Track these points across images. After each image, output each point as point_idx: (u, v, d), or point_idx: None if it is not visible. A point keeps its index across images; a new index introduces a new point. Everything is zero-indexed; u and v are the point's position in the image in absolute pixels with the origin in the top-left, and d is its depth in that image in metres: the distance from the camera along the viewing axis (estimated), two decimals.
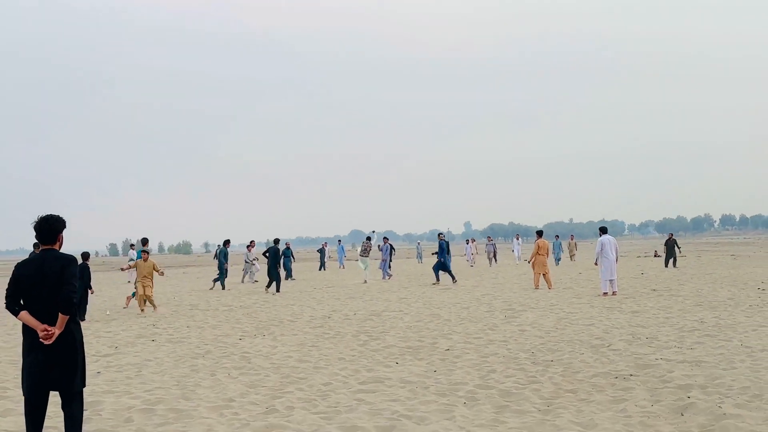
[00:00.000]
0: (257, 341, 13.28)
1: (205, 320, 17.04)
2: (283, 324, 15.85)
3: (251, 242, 32.98)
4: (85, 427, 6.84)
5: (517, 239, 52.29)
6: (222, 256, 29.72)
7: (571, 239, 49.32)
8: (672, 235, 38.48)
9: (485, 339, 12.68)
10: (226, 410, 7.95)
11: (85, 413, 7.30)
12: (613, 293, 20.50)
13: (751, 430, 6.55)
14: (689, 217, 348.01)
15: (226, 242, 30.81)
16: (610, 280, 20.74)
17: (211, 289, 28.86)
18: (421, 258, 59.28)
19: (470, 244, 48.15)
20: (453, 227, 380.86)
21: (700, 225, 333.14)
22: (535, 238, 25.61)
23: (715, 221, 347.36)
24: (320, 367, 10.44)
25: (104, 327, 16.28)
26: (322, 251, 47.53)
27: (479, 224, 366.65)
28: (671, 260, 36.30)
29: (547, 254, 24.94)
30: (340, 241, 52.37)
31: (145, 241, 21.97)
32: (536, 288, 23.82)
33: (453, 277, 28.25)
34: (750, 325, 13.16)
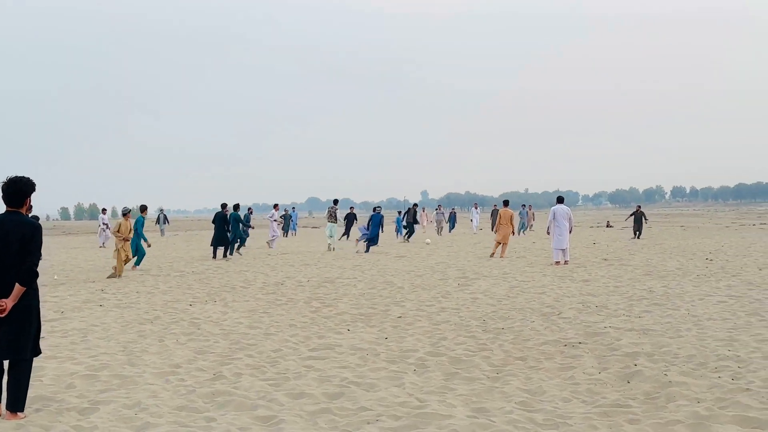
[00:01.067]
0: (208, 307, 13.09)
1: (155, 286, 16.78)
2: (235, 290, 15.68)
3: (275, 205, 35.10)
4: None
5: (476, 208, 52.17)
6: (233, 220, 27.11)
7: (529, 209, 49.77)
8: (640, 207, 38.27)
9: (437, 307, 12.68)
10: (171, 376, 7.80)
11: None
12: (565, 262, 20.69)
13: (695, 397, 6.62)
14: (641, 188, 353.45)
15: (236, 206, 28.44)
16: (562, 250, 20.92)
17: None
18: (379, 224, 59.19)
19: (424, 212, 48.18)
20: (410, 196, 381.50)
21: (652, 196, 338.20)
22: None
23: (666, 193, 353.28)
24: (270, 334, 10.33)
25: (51, 291, 15.91)
26: (286, 217, 46.95)
27: (436, 193, 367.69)
28: (638, 232, 36.17)
29: (510, 223, 24.62)
30: (294, 208, 51.79)
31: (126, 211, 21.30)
32: (491, 257, 23.96)
33: (367, 248, 28.24)
34: (697, 295, 13.38)
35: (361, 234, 29.31)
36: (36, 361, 8.38)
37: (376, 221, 28.80)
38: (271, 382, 7.53)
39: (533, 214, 49.53)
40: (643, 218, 36.48)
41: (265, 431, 5.94)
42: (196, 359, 8.68)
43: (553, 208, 21.99)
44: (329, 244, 29.46)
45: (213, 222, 25.91)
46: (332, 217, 30.61)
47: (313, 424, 6.08)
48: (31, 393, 6.98)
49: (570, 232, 21.38)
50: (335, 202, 31.70)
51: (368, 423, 6.08)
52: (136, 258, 21.15)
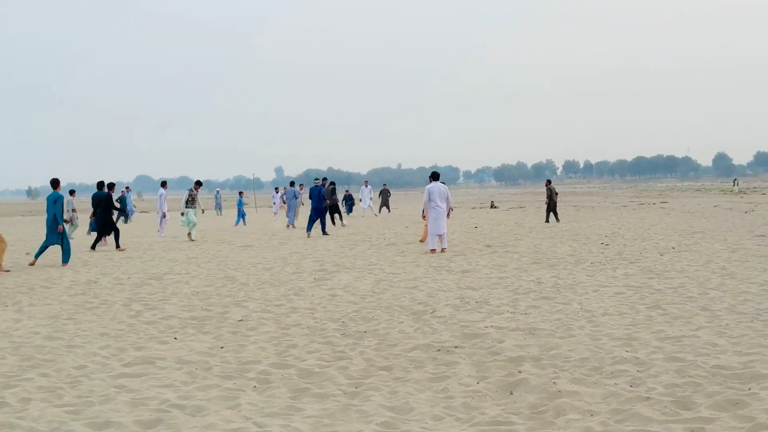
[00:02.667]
0: None
1: None
2: (33, 291, 14.82)
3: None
4: None
5: (366, 186, 51.23)
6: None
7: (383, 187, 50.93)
8: (550, 181, 37.25)
9: (288, 307, 12.38)
10: None
11: None
12: (442, 250, 20.84)
13: (588, 409, 6.62)
14: (530, 163, 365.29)
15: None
16: (439, 235, 21.04)
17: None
18: (220, 209, 58.42)
19: (278, 193, 47.79)
20: (262, 173, 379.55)
21: (542, 172, 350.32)
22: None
23: (558, 168, 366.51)
24: (75, 346, 9.71)
25: None
26: (122, 199, 45.00)
27: (293, 170, 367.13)
28: (553, 212, 35.43)
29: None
30: (128, 188, 49.64)
31: None
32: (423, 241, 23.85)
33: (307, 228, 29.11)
34: (591, 286, 13.69)
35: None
36: None
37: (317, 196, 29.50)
38: (68, 408, 6.99)
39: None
40: (554, 194, 35.35)
41: None
42: None
43: (427, 186, 21.93)
44: (189, 233, 28.59)
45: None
46: (192, 201, 29.42)
47: None
48: None
49: (448, 215, 21.53)
50: (198, 183, 30.64)
51: None
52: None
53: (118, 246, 24.41)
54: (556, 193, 35.95)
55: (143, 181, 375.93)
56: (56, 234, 19.78)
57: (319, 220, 29.62)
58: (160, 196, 32.42)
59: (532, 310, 11.47)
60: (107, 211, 24.64)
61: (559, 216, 35.86)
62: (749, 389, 6.99)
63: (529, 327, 10.11)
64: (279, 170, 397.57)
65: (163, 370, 8.42)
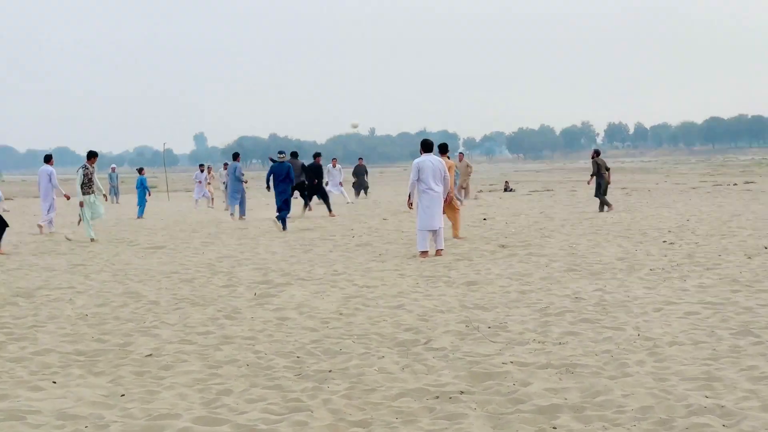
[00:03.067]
0: None
1: None
2: None
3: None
4: None
5: (335, 165, 49.66)
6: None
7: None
8: (598, 152, 37.53)
9: (218, 335, 12.18)
10: None
11: None
12: (437, 252, 20.70)
13: None
14: (558, 128, 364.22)
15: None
16: (433, 232, 20.86)
17: None
18: (117, 194, 58.12)
19: (205, 172, 47.52)
20: (176, 143, 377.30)
21: (575, 140, 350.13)
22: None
23: (598, 134, 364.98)
24: None
25: None
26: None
27: (218, 138, 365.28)
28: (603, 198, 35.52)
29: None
30: None
31: None
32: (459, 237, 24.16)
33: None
34: (651, 303, 13.59)
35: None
36: None
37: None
38: None
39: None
40: (605, 169, 35.26)
41: None
42: None
43: (416, 161, 21.41)
44: (90, 232, 27.71)
45: None
46: (89, 182, 28.17)
47: None
48: None
49: (446, 201, 21.31)
50: (92, 155, 29.29)
51: None
52: None
53: None
54: (607, 168, 35.75)
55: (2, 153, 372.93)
56: None
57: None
58: (50, 175, 31.20)
59: (569, 338, 11.32)
60: None
61: (609, 201, 35.62)
62: None
63: (565, 363, 9.96)
64: (200, 139, 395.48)
65: (36, 430, 8.25)
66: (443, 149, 24.90)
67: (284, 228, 29.37)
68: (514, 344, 11.09)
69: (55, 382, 9.95)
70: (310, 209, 38.45)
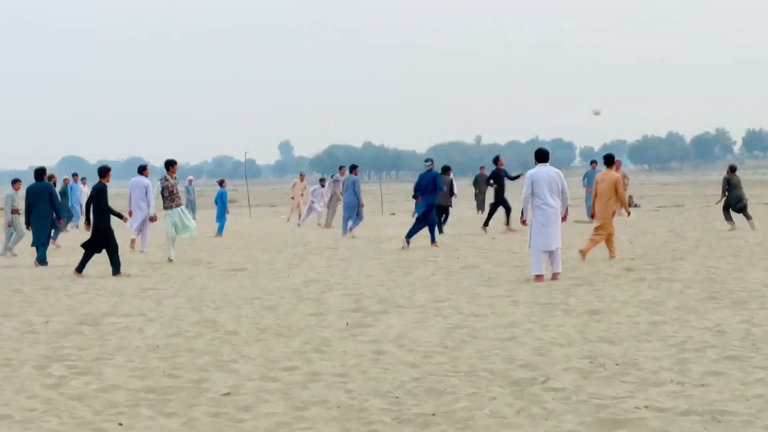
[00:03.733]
0: None
1: None
2: None
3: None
4: None
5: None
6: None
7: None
8: (733, 168, 36.33)
9: (305, 371, 11.71)
10: None
11: None
12: (554, 276, 20.14)
13: None
14: (688, 135, 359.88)
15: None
16: (549, 253, 20.32)
17: None
18: (194, 209, 58.19)
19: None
20: (258, 154, 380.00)
21: (708, 149, 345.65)
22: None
23: (735, 142, 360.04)
24: None
25: None
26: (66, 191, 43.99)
27: (306, 147, 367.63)
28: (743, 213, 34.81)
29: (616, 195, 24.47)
30: (75, 175, 48.56)
31: None
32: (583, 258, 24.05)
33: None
34: None
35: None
36: None
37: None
38: None
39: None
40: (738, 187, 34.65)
41: None
42: None
43: (529, 173, 20.97)
44: (171, 252, 27.38)
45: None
46: (170, 195, 27.60)
47: None
48: None
49: (564, 219, 20.80)
50: (171, 164, 28.39)
51: None
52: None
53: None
54: (736, 184, 34.75)
55: (73, 163, 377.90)
56: None
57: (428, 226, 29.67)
58: (147, 187, 30.41)
59: (712, 379, 10.63)
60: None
61: (744, 215, 34.72)
62: None
63: (710, 409, 9.28)
64: (285, 147, 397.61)
65: None
66: (609, 161, 25.38)
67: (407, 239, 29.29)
68: (647, 385, 10.46)
69: (121, 424, 9.54)
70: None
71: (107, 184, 24.01)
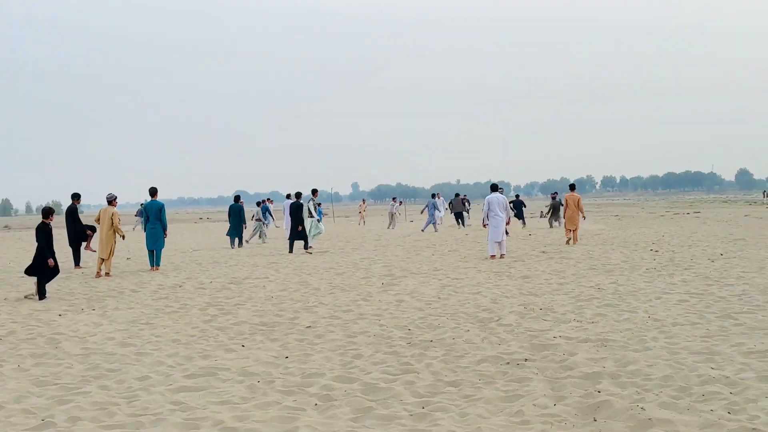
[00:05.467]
0: (80, 318, 11.01)
1: (29, 289, 14.52)
2: (122, 295, 13.59)
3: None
4: None
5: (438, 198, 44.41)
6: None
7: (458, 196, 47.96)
8: (555, 194, 38.77)
9: (356, 312, 10.86)
10: None
11: None
12: (501, 256, 19.16)
13: None
14: (572, 178, 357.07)
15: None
16: (498, 242, 19.38)
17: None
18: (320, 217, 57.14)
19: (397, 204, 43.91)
20: (340, 188, 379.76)
21: (583, 186, 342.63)
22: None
23: (597, 183, 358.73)
24: (144, 354, 8.36)
25: None
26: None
27: (367, 185, 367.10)
28: (554, 218, 36.64)
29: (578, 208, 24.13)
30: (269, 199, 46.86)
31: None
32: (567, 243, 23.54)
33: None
34: (652, 292, 11.87)
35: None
36: None
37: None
38: (117, 431, 5.60)
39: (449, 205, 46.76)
40: (557, 207, 36.32)
41: None
42: (29, 395, 6.65)
43: (487, 197, 20.17)
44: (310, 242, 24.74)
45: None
46: (309, 212, 24.65)
47: None
48: None
49: (508, 223, 19.88)
50: (315, 191, 25.57)
51: None
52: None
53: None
54: (558, 204, 36.57)
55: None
56: (155, 240, 18.50)
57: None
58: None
59: (598, 318, 9.72)
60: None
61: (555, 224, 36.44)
62: None
63: (599, 338, 8.40)
64: (355, 185, 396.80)
65: (224, 383, 6.99)
66: (572, 188, 25.26)
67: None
68: (559, 322, 9.53)
69: (243, 346, 8.73)
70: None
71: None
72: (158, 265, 18.43)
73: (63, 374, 7.45)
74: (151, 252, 18.60)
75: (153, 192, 18.97)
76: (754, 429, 5.16)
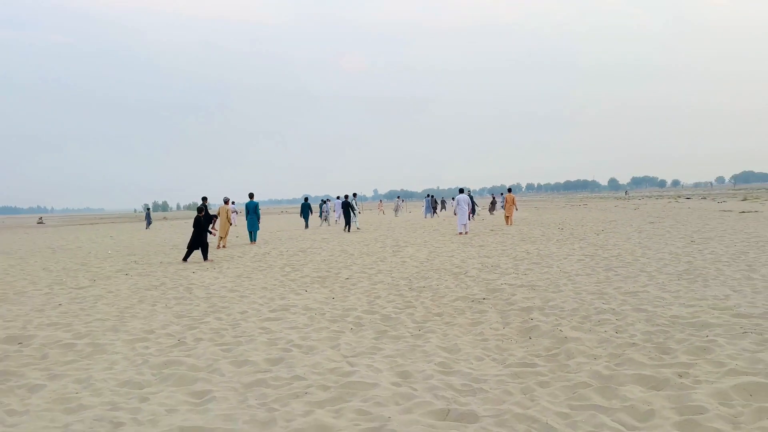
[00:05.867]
0: (206, 274, 10.75)
1: (177, 257, 14.31)
2: (232, 259, 13.30)
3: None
4: None
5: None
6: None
7: (453, 199, 47.81)
8: (494, 195, 39.43)
9: (376, 269, 10.53)
10: (140, 343, 5.54)
11: (9, 347, 4.86)
12: (465, 233, 18.76)
13: (591, 353, 4.66)
14: (508, 183, 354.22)
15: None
16: (463, 224, 18.95)
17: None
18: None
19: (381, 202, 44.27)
20: (363, 191, 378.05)
21: (514, 190, 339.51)
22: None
23: (523, 187, 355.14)
24: (244, 296, 8.10)
25: (99, 262, 13.40)
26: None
27: (383, 189, 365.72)
28: (492, 210, 36.67)
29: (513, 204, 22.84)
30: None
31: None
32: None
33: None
34: (561, 255, 11.47)
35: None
36: (31, 329, 6.09)
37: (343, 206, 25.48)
38: (224, 347, 5.32)
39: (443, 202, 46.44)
40: (495, 202, 37.00)
41: (193, 411, 3.77)
42: (171, 324, 6.41)
43: (457, 197, 19.68)
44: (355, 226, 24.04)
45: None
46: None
47: (243, 400, 3.93)
48: (1, 366, 4.71)
49: (473, 212, 19.42)
50: (354, 195, 25.06)
51: (297, 396, 3.95)
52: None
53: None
54: (495, 201, 37.68)
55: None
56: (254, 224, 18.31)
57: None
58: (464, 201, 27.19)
59: (528, 271, 9.36)
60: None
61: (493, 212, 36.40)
62: (707, 336, 4.92)
63: (530, 284, 8.05)
64: (375, 190, 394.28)
65: (294, 315, 6.71)
66: (510, 190, 23.74)
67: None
68: (504, 274, 9.16)
69: (306, 291, 8.42)
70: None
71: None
72: (255, 241, 18.20)
73: (193, 310, 7.19)
74: (250, 233, 18.40)
75: (251, 195, 18.74)
76: (633, 344, 4.83)
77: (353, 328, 5.98)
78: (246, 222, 18.92)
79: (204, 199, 19.41)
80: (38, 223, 60.89)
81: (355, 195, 24.93)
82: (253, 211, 18.33)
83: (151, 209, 46.04)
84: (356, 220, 24.16)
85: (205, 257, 13.08)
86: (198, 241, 13.20)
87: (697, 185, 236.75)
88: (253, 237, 18.25)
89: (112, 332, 6.04)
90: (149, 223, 34.34)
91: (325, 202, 32.48)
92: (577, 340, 5.00)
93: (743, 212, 24.59)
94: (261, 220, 22.39)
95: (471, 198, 38.88)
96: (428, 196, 38.08)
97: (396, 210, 40.75)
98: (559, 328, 5.43)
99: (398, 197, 43.80)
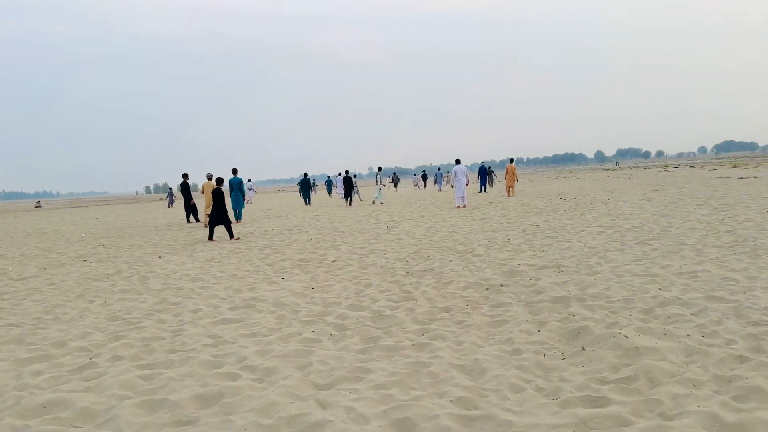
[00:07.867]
0: (173, 258, 9.00)
1: (150, 239, 12.53)
2: (209, 242, 11.57)
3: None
4: None
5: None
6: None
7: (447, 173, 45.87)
8: (488, 166, 35.31)
9: (368, 249, 8.78)
10: (32, 366, 3.79)
11: None
12: (464, 206, 17.03)
13: (685, 376, 2.96)
14: (498, 159, 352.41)
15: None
16: (461, 197, 17.23)
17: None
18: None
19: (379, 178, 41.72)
20: (360, 169, 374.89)
21: (504, 163, 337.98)
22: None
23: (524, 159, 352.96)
24: (207, 287, 6.36)
25: (64, 247, 11.63)
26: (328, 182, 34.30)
27: (375, 165, 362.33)
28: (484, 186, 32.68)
29: (513, 175, 21.38)
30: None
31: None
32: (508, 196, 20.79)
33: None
34: (577, 227, 9.73)
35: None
36: None
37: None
38: (145, 372, 3.60)
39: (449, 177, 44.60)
40: (493, 174, 34.09)
41: None
42: (94, 332, 4.67)
43: (454, 168, 18.04)
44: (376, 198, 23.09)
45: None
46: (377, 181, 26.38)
47: None
48: None
49: (467, 184, 17.72)
50: (379, 169, 27.04)
51: None
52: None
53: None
54: (496, 175, 35.73)
55: None
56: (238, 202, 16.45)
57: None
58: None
59: (546, 247, 7.63)
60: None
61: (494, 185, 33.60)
62: None
63: (555, 264, 6.32)
64: (370, 168, 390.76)
65: (259, 314, 4.99)
66: (511, 161, 22.00)
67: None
68: (518, 252, 7.44)
69: (283, 278, 6.69)
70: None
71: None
72: (240, 219, 16.40)
73: (135, 309, 5.47)
74: (235, 210, 16.58)
75: (234, 171, 16.87)
76: (741, 356, 3.14)
77: (333, 333, 4.27)
78: (230, 199, 17.04)
79: (185, 175, 17.64)
80: (36, 206, 58.77)
81: (379, 170, 26.67)
82: (237, 188, 16.45)
83: (173, 189, 44.78)
84: (378, 195, 23.04)
85: (231, 234, 11.25)
86: (221, 217, 11.35)
87: (680, 155, 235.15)
88: (238, 215, 16.45)
89: (14, 344, 4.31)
90: (171, 202, 33.37)
91: (328, 178, 30.59)
92: (654, 352, 3.31)
93: (742, 178, 22.92)
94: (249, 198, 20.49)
95: (489, 168, 35.88)
96: (423, 171, 36.66)
97: (395, 185, 39.46)
98: (619, 330, 3.73)
99: (415, 174, 43.88)
